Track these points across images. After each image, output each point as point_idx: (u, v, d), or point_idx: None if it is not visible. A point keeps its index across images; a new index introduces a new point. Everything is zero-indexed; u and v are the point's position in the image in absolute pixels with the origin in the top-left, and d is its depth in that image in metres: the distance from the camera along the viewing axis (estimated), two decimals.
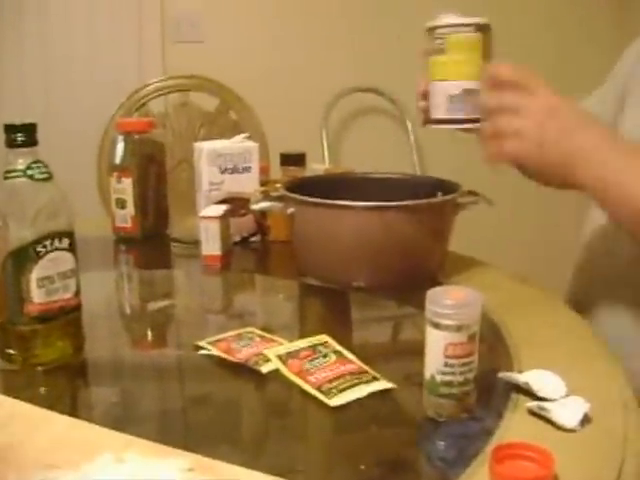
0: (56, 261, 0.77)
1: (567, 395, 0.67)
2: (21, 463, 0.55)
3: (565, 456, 0.57)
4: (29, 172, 0.75)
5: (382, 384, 0.72)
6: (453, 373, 0.65)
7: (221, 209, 1.16)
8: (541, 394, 0.67)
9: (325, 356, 0.77)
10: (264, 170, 1.32)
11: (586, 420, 0.64)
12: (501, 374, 0.72)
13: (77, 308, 0.81)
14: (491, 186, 1.21)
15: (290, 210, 1.04)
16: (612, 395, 0.70)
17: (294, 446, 0.67)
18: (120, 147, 1.28)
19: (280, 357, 0.77)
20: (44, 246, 0.76)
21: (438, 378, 0.65)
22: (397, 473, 0.62)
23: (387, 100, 2.74)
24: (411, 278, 1.01)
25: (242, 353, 0.79)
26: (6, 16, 2.49)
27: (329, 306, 1.03)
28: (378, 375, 0.73)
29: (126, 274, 1.25)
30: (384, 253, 1.00)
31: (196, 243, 1.17)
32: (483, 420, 0.66)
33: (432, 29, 0.97)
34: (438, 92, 0.97)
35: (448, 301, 0.64)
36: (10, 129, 0.75)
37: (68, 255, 0.79)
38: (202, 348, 0.82)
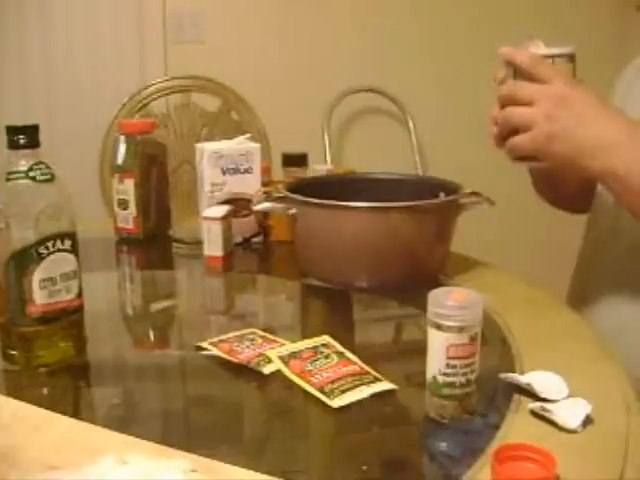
0: (58, 262, 0.77)
1: (569, 396, 0.67)
2: (23, 464, 0.56)
3: (567, 457, 0.57)
4: (31, 174, 0.75)
5: (384, 385, 0.72)
6: (455, 374, 0.65)
7: (223, 210, 1.16)
8: (543, 395, 0.67)
9: (327, 357, 0.77)
10: (266, 171, 1.32)
11: (588, 421, 0.64)
12: (503, 375, 0.72)
13: (79, 309, 0.81)
14: (493, 187, 1.22)
15: (292, 211, 1.04)
16: (614, 396, 0.70)
17: (296, 447, 0.67)
18: (122, 148, 1.28)
19: (282, 358, 0.77)
20: (46, 247, 0.76)
21: (440, 379, 0.65)
22: (399, 474, 0.62)
23: (389, 100, 2.74)
24: (413, 279, 1.01)
25: (244, 354, 0.79)
26: (8, 18, 2.50)
27: (331, 307, 1.03)
28: (380, 376, 0.73)
29: (128, 275, 1.25)
30: (386, 254, 1.00)
31: (198, 244, 1.17)
32: (485, 421, 0.66)
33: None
34: None
35: (450, 302, 0.64)
36: (12, 131, 0.75)
37: (70, 256, 0.79)
38: (204, 349, 0.82)
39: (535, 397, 0.68)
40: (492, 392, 0.71)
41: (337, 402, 0.69)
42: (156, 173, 1.29)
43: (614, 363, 0.78)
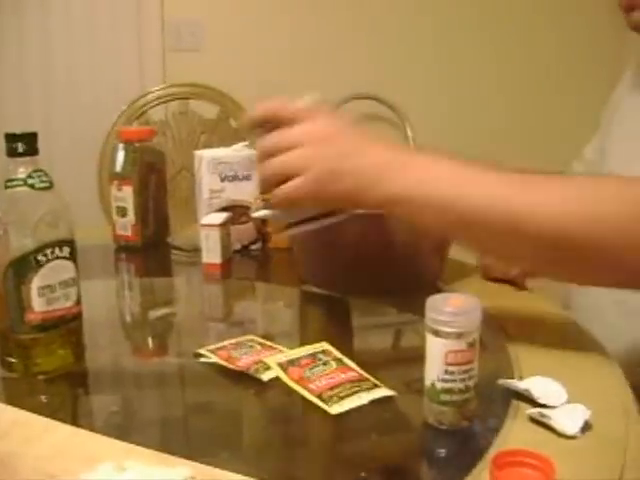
0: (57, 270, 0.77)
1: (568, 402, 0.67)
2: (21, 472, 0.56)
3: (566, 463, 0.57)
4: (30, 181, 0.75)
5: (383, 391, 0.72)
6: (454, 380, 0.65)
7: (221, 217, 1.16)
8: (542, 401, 0.67)
9: (325, 364, 0.77)
10: None
11: (587, 427, 0.64)
12: (501, 381, 0.72)
13: (78, 317, 0.81)
14: None
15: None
16: (613, 402, 0.70)
17: (295, 454, 0.67)
18: (121, 155, 1.28)
19: (280, 365, 0.77)
20: (45, 255, 0.76)
21: (438, 385, 0.65)
22: (398, 479, 0.62)
23: (388, 108, 2.74)
24: (411, 286, 1.01)
25: (242, 361, 0.79)
26: (7, 26, 2.50)
27: (329, 313, 1.03)
28: (379, 382, 0.73)
29: (127, 282, 1.25)
30: (384, 261, 1.00)
31: (197, 251, 1.17)
32: (484, 427, 0.66)
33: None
34: None
35: (448, 308, 0.64)
36: (11, 138, 0.76)
37: (69, 264, 0.79)
38: (202, 356, 0.82)
39: (534, 403, 0.68)
40: (490, 398, 0.71)
41: (336, 409, 0.69)
42: (154, 180, 1.29)
43: (613, 369, 0.78)
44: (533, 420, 0.66)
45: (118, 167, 1.28)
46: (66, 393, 0.79)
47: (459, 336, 0.64)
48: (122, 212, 1.27)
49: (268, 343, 0.84)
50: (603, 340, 0.84)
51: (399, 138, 2.78)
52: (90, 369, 0.83)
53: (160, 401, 0.79)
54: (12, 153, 0.76)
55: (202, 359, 0.81)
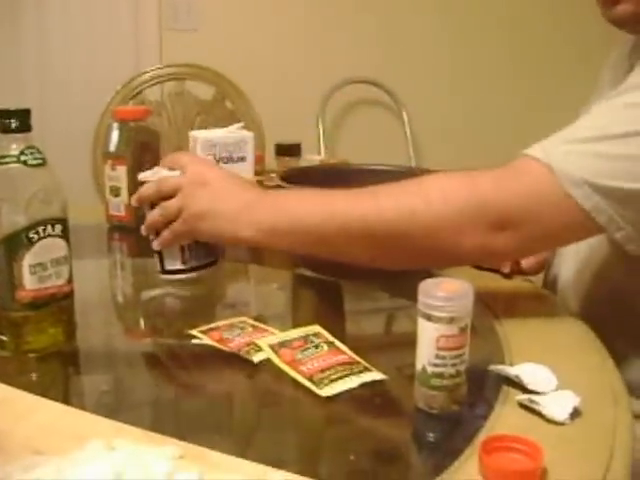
0: (49, 247, 0.77)
1: (557, 389, 0.67)
2: (9, 449, 0.55)
3: (554, 449, 0.57)
4: (23, 158, 0.75)
5: (374, 375, 0.72)
6: (444, 365, 0.65)
7: None
8: (532, 387, 0.68)
9: (317, 346, 0.77)
10: (259, 160, 1.31)
11: (576, 414, 0.64)
12: (492, 367, 0.72)
13: (69, 295, 0.81)
14: None
15: None
16: (602, 389, 0.71)
17: (285, 436, 0.67)
18: (115, 135, 1.27)
19: (272, 347, 0.77)
20: (37, 232, 0.75)
21: (429, 370, 0.65)
22: (387, 463, 0.62)
23: (384, 92, 2.73)
24: (404, 270, 1.01)
25: (234, 342, 0.79)
26: (1, 3, 2.48)
27: (322, 297, 1.03)
28: (370, 366, 0.73)
29: (119, 262, 1.25)
30: None
31: None
32: (473, 412, 0.66)
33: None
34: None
35: (440, 293, 0.64)
36: (4, 114, 0.75)
37: (61, 242, 0.78)
38: (194, 337, 0.82)
39: (524, 389, 0.68)
40: (481, 383, 0.71)
41: (326, 391, 0.69)
42: (149, 160, 1.28)
43: (603, 356, 0.78)
44: (523, 406, 0.66)
45: (112, 146, 1.27)
46: (57, 372, 0.79)
47: (451, 321, 0.64)
48: (115, 192, 1.26)
49: (260, 325, 0.84)
50: None
51: (394, 123, 2.77)
52: (81, 348, 0.83)
53: (151, 381, 0.79)
54: (5, 129, 0.75)
55: (194, 340, 0.81)
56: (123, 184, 1.25)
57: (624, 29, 0.97)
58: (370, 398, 0.70)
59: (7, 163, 0.75)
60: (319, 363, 0.74)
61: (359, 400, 0.69)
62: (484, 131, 2.83)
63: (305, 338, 0.79)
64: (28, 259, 0.75)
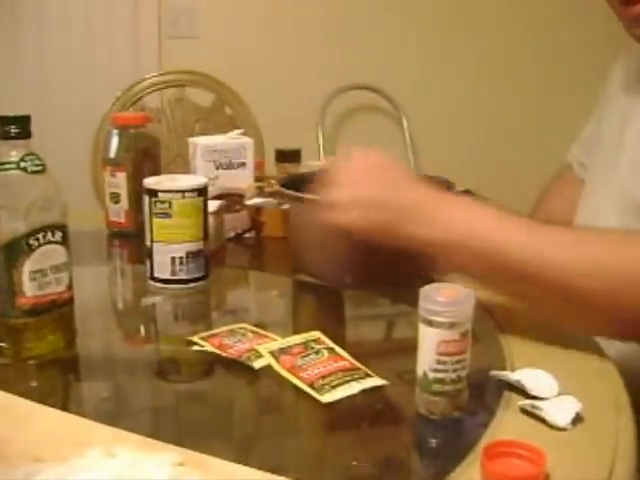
0: (48, 254, 0.77)
1: (559, 394, 0.67)
2: (9, 456, 0.55)
3: (556, 455, 0.57)
4: (22, 164, 0.75)
5: (374, 381, 0.72)
6: (445, 370, 0.64)
7: (215, 205, 1.15)
8: (533, 393, 0.67)
9: (317, 353, 0.77)
10: (259, 166, 1.32)
11: (578, 419, 0.64)
12: (494, 372, 0.72)
13: (69, 302, 0.81)
14: (486, 185, 1.21)
15: (285, 206, 1.04)
16: (604, 395, 0.70)
17: (285, 442, 0.66)
18: (115, 141, 1.27)
19: (272, 353, 0.77)
20: (37, 239, 0.75)
21: (430, 375, 0.65)
22: (389, 469, 0.62)
23: (383, 98, 2.74)
24: (405, 276, 1.01)
25: (234, 349, 0.79)
26: (1, 9, 2.48)
27: (322, 303, 1.02)
28: (370, 372, 0.73)
29: (119, 269, 1.24)
30: (378, 250, 0.99)
31: None
32: (475, 418, 0.66)
33: (154, 192, 0.98)
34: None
35: (441, 298, 0.64)
36: (4, 121, 0.75)
37: (61, 248, 0.78)
38: (194, 343, 0.81)
39: (525, 394, 0.68)
40: (482, 389, 0.71)
41: (327, 398, 0.69)
42: (149, 167, 1.28)
43: (604, 361, 0.78)
44: (524, 411, 0.66)
45: (112, 153, 1.27)
46: (57, 378, 0.78)
47: (452, 326, 0.64)
48: (115, 198, 1.26)
49: (260, 331, 0.84)
50: None
51: (394, 129, 2.78)
52: (81, 355, 0.83)
53: (151, 388, 0.79)
54: (5, 136, 0.75)
55: (194, 346, 0.81)
56: (123, 191, 1.25)
57: None
58: (371, 404, 0.70)
59: (7, 170, 0.75)
60: (320, 369, 0.73)
61: (360, 406, 0.69)
62: (484, 137, 2.84)
63: (305, 344, 0.79)
64: (28, 266, 0.75)
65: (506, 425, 0.64)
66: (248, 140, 1.26)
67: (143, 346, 0.91)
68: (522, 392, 0.68)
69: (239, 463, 0.56)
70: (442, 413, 0.66)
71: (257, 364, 0.76)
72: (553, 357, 0.77)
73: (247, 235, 1.26)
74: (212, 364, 0.79)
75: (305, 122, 2.60)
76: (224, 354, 0.78)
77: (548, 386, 0.68)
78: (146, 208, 0.99)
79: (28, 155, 0.75)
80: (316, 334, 0.82)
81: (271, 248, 1.24)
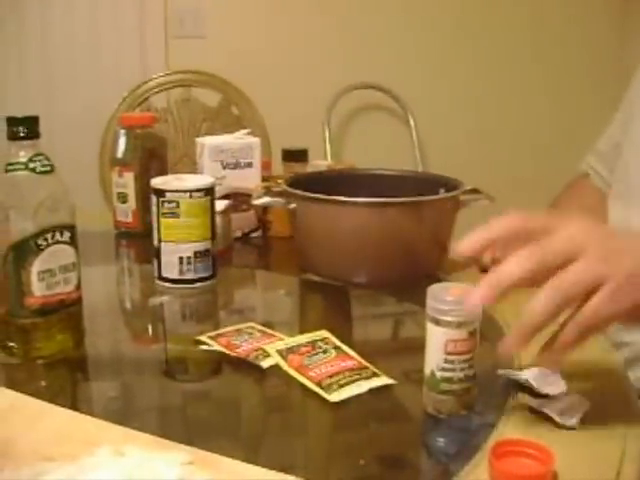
0: (57, 254, 0.77)
1: (567, 393, 0.67)
2: (19, 455, 0.56)
3: (564, 453, 0.57)
4: (31, 165, 0.75)
5: (382, 380, 0.72)
6: (453, 369, 0.64)
7: (223, 204, 1.15)
8: (541, 391, 0.67)
9: (325, 352, 0.77)
10: (266, 166, 1.32)
11: (586, 418, 0.64)
12: (501, 371, 0.72)
13: (78, 302, 0.81)
14: (493, 183, 1.21)
15: (292, 206, 1.04)
16: (612, 394, 0.70)
17: (293, 441, 0.67)
18: (122, 141, 1.28)
19: (280, 352, 0.77)
20: (45, 239, 0.76)
21: (438, 374, 0.65)
22: (397, 469, 0.62)
23: (390, 97, 2.74)
24: (412, 275, 1.01)
25: (242, 348, 0.79)
26: (7, 10, 2.49)
27: (330, 302, 1.03)
28: (378, 371, 0.73)
29: (127, 268, 1.25)
30: (385, 250, 1.00)
31: None
32: (483, 417, 0.66)
33: (161, 192, 0.99)
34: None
35: (449, 297, 0.64)
36: (12, 122, 0.75)
37: (69, 248, 0.78)
38: (202, 343, 0.82)
39: (533, 393, 0.68)
40: (490, 388, 0.71)
41: (335, 396, 0.69)
42: (156, 167, 1.28)
43: (613, 360, 0.78)
44: (532, 410, 0.66)
45: (119, 153, 1.28)
46: (65, 378, 0.79)
47: (459, 325, 0.64)
48: (123, 198, 1.27)
49: (268, 330, 0.84)
50: None
51: (401, 128, 2.77)
52: (89, 354, 0.83)
53: (159, 388, 0.79)
54: (13, 137, 0.75)
55: (202, 346, 0.81)
56: (130, 190, 1.26)
57: None
58: (379, 403, 0.70)
59: (15, 170, 0.75)
60: (327, 368, 0.73)
61: (368, 405, 0.69)
62: (490, 136, 2.83)
63: (313, 343, 0.79)
64: (37, 266, 0.75)
65: (514, 424, 0.64)
66: (255, 140, 1.26)
67: (151, 346, 0.92)
68: (530, 391, 0.68)
69: (247, 462, 0.56)
70: (450, 412, 0.66)
71: (265, 363, 0.76)
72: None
73: (254, 235, 1.26)
74: (220, 363, 0.80)
75: (312, 121, 2.60)
76: (232, 353, 0.78)
77: (556, 385, 0.68)
78: (154, 208, 1.00)
79: (36, 155, 0.76)
80: (324, 333, 0.82)
81: (278, 247, 1.24)
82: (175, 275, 0.99)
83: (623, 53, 2.82)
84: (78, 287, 0.80)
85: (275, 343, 0.80)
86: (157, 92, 2.10)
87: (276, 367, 0.75)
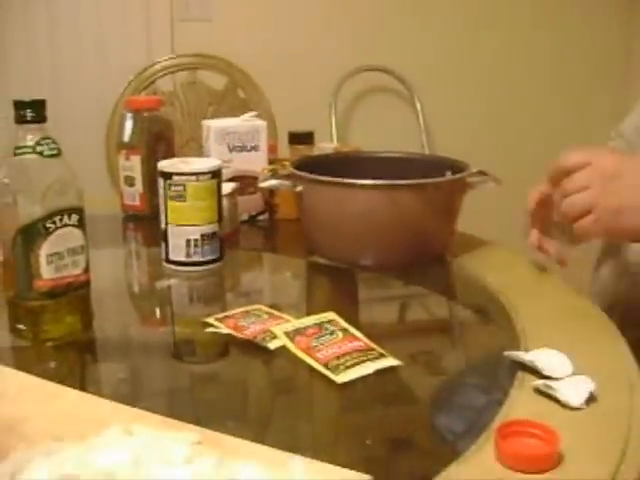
0: (65, 237, 0.77)
1: (573, 374, 0.67)
2: (30, 435, 0.56)
3: (570, 434, 0.58)
4: (38, 148, 0.75)
5: (389, 361, 0.72)
6: None
7: (229, 187, 1.16)
8: (547, 373, 0.68)
9: (332, 333, 0.78)
10: (272, 149, 1.32)
11: (591, 399, 0.64)
12: (507, 353, 0.72)
13: (86, 284, 0.81)
14: (499, 166, 1.21)
15: (298, 188, 1.05)
16: (618, 375, 0.71)
17: (300, 422, 0.67)
18: (129, 125, 1.28)
19: (287, 334, 0.78)
20: (53, 222, 0.76)
21: None
22: (402, 449, 0.62)
23: (396, 79, 2.72)
24: (418, 257, 1.02)
25: (250, 330, 0.79)
26: None
27: (336, 284, 1.03)
28: (385, 352, 0.74)
29: (134, 251, 1.25)
30: (392, 232, 1.00)
31: None
32: (489, 397, 0.66)
33: (168, 175, 0.99)
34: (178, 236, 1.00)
35: None
36: (19, 105, 0.76)
37: (77, 231, 0.79)
38: (210, 325, 0.82)
39: (539, 375, 0.68)
40: (496, 369, 0.71)
41: (342, 378, 0.69)
42: (162, 149, 1.28)
43: (618, 342, 0.78)
44: (538, 391, 0.66)
45: (126, 137, 1.28)
46: (74, 360, 0.79)
47: None
48: (130, 181, 1.27)
49: (275, 312, 0.84)
50: None
51: (407, 111, 2.76)
52: (98, 337, 0.84)
53: (167, 369, 0.80)
54: (21, 120, 0.76)
55: (209, 328, 0.82)
56: (137, 174, 1.26)
57: None
58: (385, 384, 0.70)
59: (23, 154, 0.75)
60: (334, 350, 0.74)
61: (375, 386, 0.70)
62: (497, 119, 2.82)
63: (320, 325, 0.80)
64: (45, 249, 0.76)
65: (520, 405, 0.65)
66: (261, 123, 1.26)
67: (159, 328, 0.92)
68: (536, 372, 0.68)
69: (255, 443, 0.56)
70: None
71: (272, 345, 0.76)
72: (566, 337, 0.77)
73: (261, 217, 1.26)
74: (227, 345, 0.80)
75: (318, 104, 2.59)
76: (239, 335, 0.79)
77: (561, 366, 0.68)
78: (161, 191, 1.00)
79: (44, 139, 0.76)
80: (330, 315, 0.82)
81: (285, 230, 1.25)
82: (182, 258, 1.00)
83: (630, 40, 2.80)
84: (86, 270, 0.81)
85: (282, 325, 0.80)
86: (163, 75, 2.10)
87: (283, 349, 0.76)
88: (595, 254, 1.12)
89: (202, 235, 0.99)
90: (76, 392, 0.65)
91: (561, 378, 0.67)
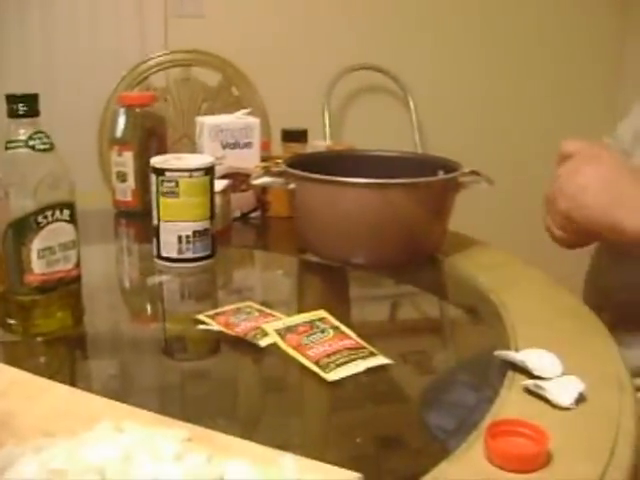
0: (57, 232, 0.77)
1: (563, 374, 0.67)
2: (20, 430, 0.56)
3: (559, 434, 0.58)
4: (30, 142, 0.75)
5: (379, 360, 0.72)
6: None
7: (222, 184, 1.16)
8: (537, 373, 0.68)
9: (323, 331, 0.78)
10: (265, 146, 1.32)
11: (581, 399, 0.65)
12: (498, 352, 0.72)
13: (77, 279, 0.81)
14: (492, 166, 1.21)
15: (291, 186, 1.05)
16: (607, 375, 0.71)
17: (291, 419, 0.67)
18: (121, 120, 1.27)
19: (278, 331, 0.78)
20: (45, 217, 0.76)
21: None
22: (393, 447, 0.62)
23: (390, 78, 2.73)
24: (410, 256, 1.02)
25: (241, 327, 0.79)
26: None
27: (328, 283, 1.03)
28: (375, 351, 0.74)
29: (126, 248, 1.25)
30: (384, 231, 1.00)
31: None
32: (479, 397, 0.67)
33: (161, 171, 0.99)
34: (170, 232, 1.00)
35: None
36: (12, 99, 0.75)
37: (69, 226, 0.79)
38: (201, 322, 0.82)
39: (529, 374, 0.68)
40: (486, 369, 0.71)
41: (332, 376, 0.69)
42: (155, 146, 1.28)
43: (608, 342, 0.79)
44: (528, 391, 0.66)
45: (118, 132, 1.27)
46: (65, 355, 0.79)
47: None
48: (122, 177, 1.26)
49: (266, 310, 0.84)
50: None
51: (400, 109, 2.77)
52: (89, 332, 0.84)
53: (158, 366, 0.80)
54: (13, 114, 0.75)
55: (200, 325, 0.82)
56: (129, 169, 1.26)
57: None
58: (376, 383, 0.70)
59: (15, 148, 0.75)
60: (325, 348, 0.74)
61: (365, 384, 0.70)
62: (490, 118, 2.83)
63: (311, 323, 0.80)
64: (36, 243, 0.76)
65: (510, 404, 0.65)
66: (255, 120, 1.26)
67: (150, 324, 0.92)
68: (526, 372, 0.69)
69: (245, 439, 0.56)
70: None
71: (263, 342, 0.76)
72: (556, 337, 0.77)
73: (253, 215, 1.26)
74: (218, 342, 0.80)
75: (311, 102, 2.59)
76: (230, 332, 0.79)
77: (551, 366, 0.68)
78: (153, 187, 1.00)
79: (36, 133, 0.76)
80: (321, 313, 0.82)
81: (277, 228, 1.25)
82: (174, 254, 1.00)
83: (624, 40, 2.81)
84: (78, 265, 0.81)
85: (273, 322, 0.80)
86: (156, 71, 2.09)
87: (274, 346, 0.76)
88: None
89: (194, 232, 0.99)
90: (66, 387, 0.65)
91: (551, 378, 0.67)
